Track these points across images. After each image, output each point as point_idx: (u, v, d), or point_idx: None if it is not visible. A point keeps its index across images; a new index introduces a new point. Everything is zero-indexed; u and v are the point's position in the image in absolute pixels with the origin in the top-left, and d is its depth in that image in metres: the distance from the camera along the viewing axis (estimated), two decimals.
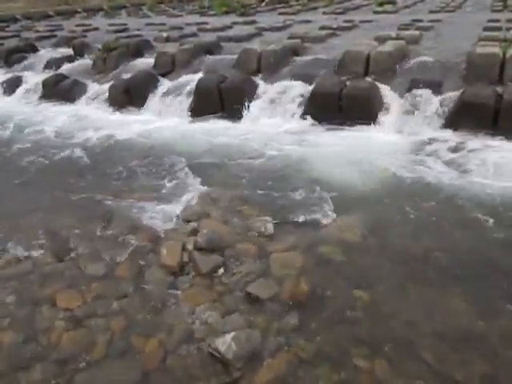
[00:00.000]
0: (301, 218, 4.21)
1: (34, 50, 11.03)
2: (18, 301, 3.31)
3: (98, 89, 8.63)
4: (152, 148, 6.24)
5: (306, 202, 4.53)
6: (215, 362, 2.70)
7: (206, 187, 4.95)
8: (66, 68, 9.71)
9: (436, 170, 5.12)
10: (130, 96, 8.05)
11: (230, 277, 3.45)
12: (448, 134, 5.97)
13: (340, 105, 6.59)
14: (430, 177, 4.97)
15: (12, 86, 9.45)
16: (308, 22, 13.00)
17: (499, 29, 8.98)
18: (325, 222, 4.15)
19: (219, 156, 5.85)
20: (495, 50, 6.64)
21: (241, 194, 4.82)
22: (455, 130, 5.98)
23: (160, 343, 2.89)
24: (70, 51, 10.51)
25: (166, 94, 7.80)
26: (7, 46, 11.27)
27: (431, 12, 14.44)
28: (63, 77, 9.04)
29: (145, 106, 7.86)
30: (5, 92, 9.43)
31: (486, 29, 9.27)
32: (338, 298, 3.22)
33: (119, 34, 11.63)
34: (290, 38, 9.52)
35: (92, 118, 7.72)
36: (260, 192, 4.82)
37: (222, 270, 3.53)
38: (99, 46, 9.65)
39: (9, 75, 9.87)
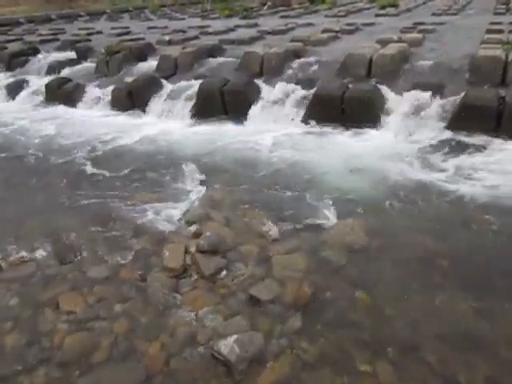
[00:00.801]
0: (303, 221, 4.21)
1: (37, 53, 11.08)
2: (21, 303, 3.32)
3: (100, 92, 8.65)
4: (154, 151, 6.25)
5: (309, 204, 4.53)
6: (218, 365, 2.70)
7: (208, 190, 4.96)
8: (69, 71, 9.76)
9: (439, 173, 5.12)
10: (132, 99, 8.08)
11: (232, 279, 3.45)
12: (451, 136, 5.96)
13: (342, 107, 6.59)
14: (433, 179, 4.96)
15: (15, 89, 9.50)
16: (310, 25, 13.03)
17: (502, 31, 8.96)
18: (327, 224, 4.15)
19: (222, 159, 5.86)
20: (498, 52, 6.64)
21: (243, 196, 4.83)
22: (458, 132, 5.97)
23: (163, 346, 2.89)
24: (73, 55, 10.56)
25: (168, 97, 7.83)
26: (10, 49, 11.32)
27: (433, 15, 14.45)
28: (66, 80, 9.08)
29: (147, 109, 7.89)
30: (8, 95, 9.47)
31: (488, 31, 9.27)
32: (340, 300, 3.22)
33: (122, 38, 11.66)
34: (293, 41, 9.54)
35: (95, 121, 7.74)
36: (262, 195, 4.83)
37: (224, 273, 3.53)
38: (102, 50, 9.68)
39: (12, 78, 9.93)
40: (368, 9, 18.07)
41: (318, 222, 4.19)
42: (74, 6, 24.41)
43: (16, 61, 10.62)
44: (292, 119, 6.93)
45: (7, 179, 5.64)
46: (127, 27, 14.70)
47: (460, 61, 7.09)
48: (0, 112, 8.63)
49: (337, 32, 10.80)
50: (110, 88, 8.41)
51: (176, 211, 4.48)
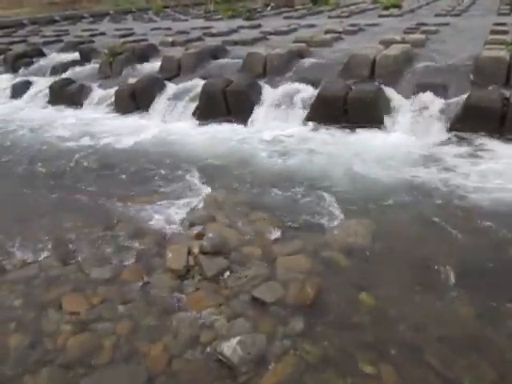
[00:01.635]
0: (306, 222, 4.20)
1: (41, 54, 11.13)
2: (25, 304, 3.32)
3: (104, 93, 8.68)
4: (157, 152, 6.25)
5: (312, 206, 4.53)
6: (221, 367, 2.69)
7: (211, 191, 4.96)
8: (72, 72, 9.78)
9: (442, 174, 5.10)
10: (135, 100, 8.09)
11: (235, 280, 3.45)
12: (454, 137, 5.94)
13: (345, 108, 6.58)
14: (437, 181, 4.94)
15: (19, 90, 9.55)
16: (313, 26, 13.02)
17: (506, 32, 8.94)
18: (330, 226, 4.14)
19: (225, 160, 5.86)
20: (502, 53, 6.62)
21: (246, 197, 4.83)
22: (462, 133, 5.95)
23: (165, 347, 2.88)
24: (76, 56, 10.58)
25: (171, 98, 7.84)
26: (15, 50, 11.35)
27: (437, 16, 14.43)
28: (70, 81, 9.11)
29: (150, 110, 7.89)
30: (12, 96, 9.53)
31: (492, 32, 9.24)
32: (343, 302, 3.21)
33: (125, 39, 11.69)
34: (296, 41, 9.53)
35: (98, 123, 7.75)
36: (266, 196, 4.83)
37: (227, 274, 3.52)
38: (105, 51, 9.70)
39: (16, 80, 9.97)
40: (371, 9, 18.06)
41: (321, 223, 4.19)
42: (78, 7, 24.46)
43: (20, 62, 10.65)
44: (295, 120, 6.92)
45: (10, 181, 5.66)
46: (130, 28, 14.74)
47: (464, 62, 7.07)
48: (4, 113, 8.67)
49: (340, 33, 10.80)
50: (113, 89, 8.43)
51: (179, 212, 4.48)
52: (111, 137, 6.92)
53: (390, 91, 6.72)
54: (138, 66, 9.31)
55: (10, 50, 11.55)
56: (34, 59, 10.80)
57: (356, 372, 2.64)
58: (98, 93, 8.77)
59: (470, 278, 3.39)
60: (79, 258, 3.84)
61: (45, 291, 3.45)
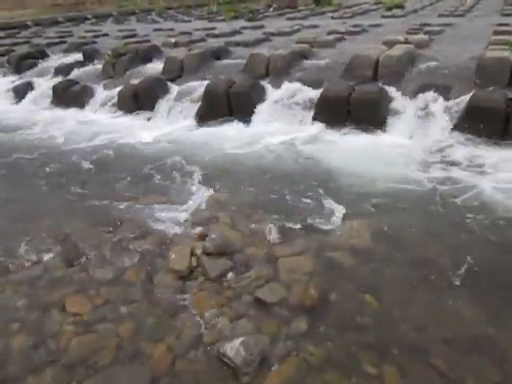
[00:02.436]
0: (309, 223, 4.20)
1: (45, 56, 11.16)
2: (29, 305, 3.33)
3: (107, 94, 8.69)
4: (160, 153, 6.27)
5: (315, 206, 4.52)
6: (224, 367, 2.70)
7: (214, 192, 4.96)
8: (75, 73, 9.80)
9: (445, 175, 5.09)
10: (138, 101, 8.10)
11: (238, 281, 3.45)
12: (458, 138, 5.92)
13: (348, 109, 6.58)
14: (439, 181, 4.93)
15: (23, 91, 9.56)
16: (316, 26, 13.01)
17: (510, 33, 8.91)
18: (333, 226, 4.14)
19: (228, 160, 5.86)
20: (506, 53, 6.60)
21: (249, 198, 4.83)
22: (465, 134, 5.93)
23: (169, 348, 2.89)
24: (79, 57, 10.61)
25: (174, 99, 7.85)
26: (18, 52, 11.39)
27: (440, 16, 14.40)
28: (73, 82, 9.13)
29: (153, 111, 7.90)
30: (15, 97, 9.54)
31: (496, 33, 9.22)
32: (346, 303, 3.21)
33: (128, 40, 11.71)
34: (298, 42, 9.53)
35: (101, 124, 7.78)
36: (269, 196, 4.83)
37: (230, 275, 3.53)
38: (108, 52, 9.72)
39: (20, 81, 10.00)
40: (374, 10, 18.04)
41: (324, 223, 4.18)
42: (81, 8, 24.52)
43: (23, 63, 10.69)
44: (297, 120, 6.93)
45: (14, 181, 5.68)
46: (133, 29, 14.76)
47: (467, 62, 7.05)
48: (7, 114, 8.70)
49: (343, 33, 10.79)
50: (116, 90, 8.44)
51: (182, 213, 4.49)
52: (114, 137, 6.94)
53: (393, 92, 6.70)
54: (141, 67, 9.32)
55: (14, 51, 11.60)
56: (38, 60, 10.83)
57: (359, 373, 2.63)
58: (101, 94, 8.79)
59: (473, 279, 3.38)
60: (83, 259, 3.85)
61: (49, 292, 3.46)
